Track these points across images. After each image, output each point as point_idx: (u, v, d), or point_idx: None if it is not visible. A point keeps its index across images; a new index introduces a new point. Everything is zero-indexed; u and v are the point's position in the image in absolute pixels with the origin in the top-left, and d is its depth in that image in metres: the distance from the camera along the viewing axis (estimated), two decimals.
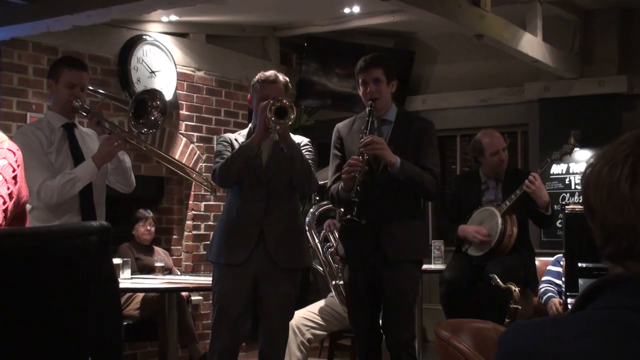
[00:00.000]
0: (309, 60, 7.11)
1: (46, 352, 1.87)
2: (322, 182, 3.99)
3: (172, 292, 4.23)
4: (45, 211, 3.59)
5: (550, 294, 4.73)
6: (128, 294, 5.20)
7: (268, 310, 3.62)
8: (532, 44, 5.93)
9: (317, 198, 5.99)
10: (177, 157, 6.23)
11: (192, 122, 6.46)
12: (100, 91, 4.45)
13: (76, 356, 1.94)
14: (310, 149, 3.69)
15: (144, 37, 6.03)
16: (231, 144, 3.69)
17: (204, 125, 6.55)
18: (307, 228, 4.66)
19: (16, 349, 1.82)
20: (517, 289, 3.45)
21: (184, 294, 5.28)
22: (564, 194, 6.72)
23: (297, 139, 3.66)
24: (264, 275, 3.59)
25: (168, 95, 5.96)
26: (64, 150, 3.69)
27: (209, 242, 4.10)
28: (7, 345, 1.81)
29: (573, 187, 6.69)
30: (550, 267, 4.90)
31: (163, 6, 4.87)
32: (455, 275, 4.64)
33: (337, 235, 4.20)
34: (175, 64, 6.22)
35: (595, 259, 3.86)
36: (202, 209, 6.53)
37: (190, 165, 6.36)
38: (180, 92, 6.35)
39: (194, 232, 6.47)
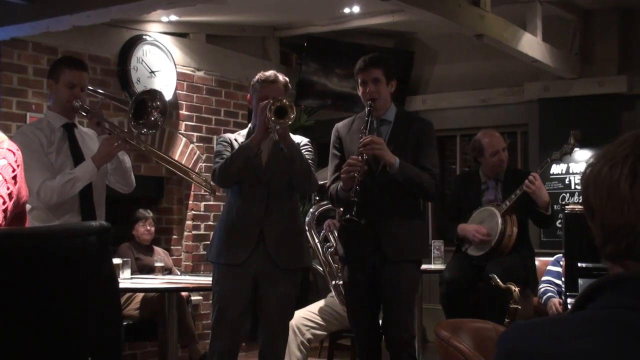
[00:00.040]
0: (309, 60, 7.11)
1: (46, 352, 1.87)
2: (321, 182, 3.99)
3: (172, 292, 4.23)
4: (45, 211, 3.59)
5: (550, 294, 4.74)
6: (128, 294, 5.20)
7: (268, 310, 3.62)
8: (532, 44, 5.93)
9: (317, 198, 5.99)
10: (176, 157, 6.23)
11: (192, 122, 6.46)
12: (100, 91, 4.45)
13: (76, 356, 1.94)
14: (310, 149, 3.69)
15: (144, 37, 6.03)
16: (231, 144, 3.69)
17: (204, 125, 6.55)
18: (307, 228, 4.66)
19: (16, 349, 1.82)
20: (517, 289, 3.46)
21: (183, 294, 5.28)
22: (564, 194, 6.72)
23: (297, 138, 3.66)
24: (264, 275, 3.59)
25: (168, 95, 5.96)
26: (64, 150, 3.69)
27: (208, 242, 4.10)
28: (7, 345, 1.81)
29: (573, 187, 6.69)
30: (550, 267, 4.91)
31: (163, 6, 4.87)
32: (455, 275, 4.65)
33: (336, 235, 4.21)
34: (175, 64, 6.22)
35: (595, 259, 3.86)
36: (202, 209, 6.53)
37: (190, 165, 6.36)
38: (180, 92, 6.35)
39: (193, 232, 6.47)
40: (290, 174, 3.57)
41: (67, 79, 3.69)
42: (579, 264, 3.96)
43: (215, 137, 6.33)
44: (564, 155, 4.83)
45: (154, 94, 3.93)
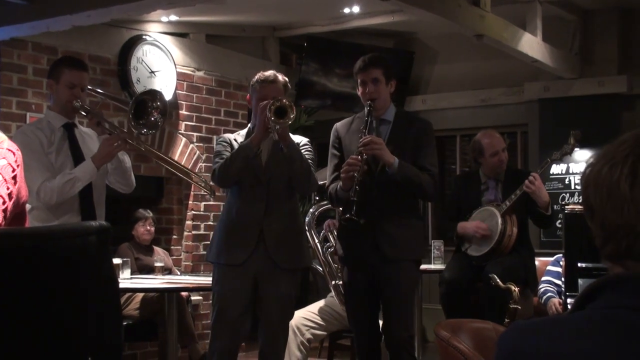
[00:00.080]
0: (309, 61, 7.11)
1: (46, 352, 1.87)
2: (321, 183, 3.99)
3: (171, 292, 4.23)
4: (44, 211, 3.58)
5: (550, 294, 4.74)
6: (128, 294, 5.20)
7: (268, 310, 3.62)
8: (531, 44, 5.93)
9: (317, 198, 5.99)
10: (176, 157, 6.23)
11: (192, 122, 6.46)
12: (99, 90, 4.45)
13: (76, 356, 1.94)
14: (309, 149, 3.69)
15: (144, 37, 6.03)
16: (230, 144, 3.69)
17: (204, 125, 6.55)
18: (306, 228, 4.66)
19: (16, 349, 1.82)
20: (516, 289, 3.45)
21: (183, 294, 5.28)
22: (564, 194, 6.73)
23: (297, 138, 3.66)
24: (264, 275, 3.59)
25: (168, 95, 5.96)
26: (64, 150, 3.69)
27: (208, 242, 4.10)
28: (7, 345, 1.81)
29: (573, 187, 6.69)
30: (550, 267, 4.91)
31: (163, 6, 4.87)
32: (455, 275, 4.65)
33: (335, 235, 4.21)
34: (175, 64, 6.22)
35: (595, 259, 3.86)
36: (202, 209, 6.53)
37: (190, 165, 6.36)
38: (180, 92, 6.35)
39: (193, 232, 6.47)
40: (290, 174, 3.57)
41: (67, 79, 3.69)
42: (579, 264, 3.96)
43: (215, 137, 6.33)
44: (564, 155, 4.83)
45: (154, 95, 3.93)
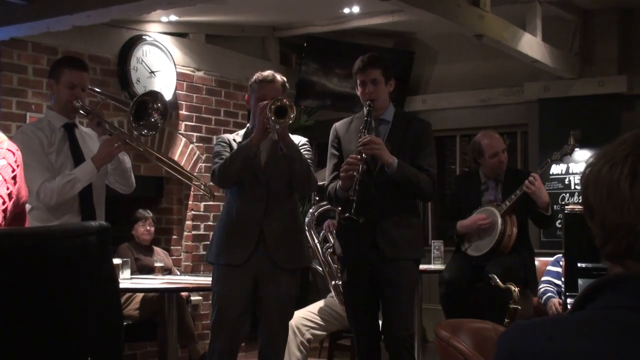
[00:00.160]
0: (309, 61, 7.11)
1: (46, 352, 1.87)
2: (321, 183, 3.99)
3: (171, 292, 4.23)
4: (44, 211, 3.58)
5: (549, 294, 4.73)
6: (128, 294, 5.20)
7: (268, 310, 3.62)
8: (531, 44, 5.93)
9: (317, 198, 6.00)
10: (176, 158, 6.23)
11: (192, 122, 6.46)
12: (97, 90, 4.44)
13: (76, 356, 1.94)
14: (308, 149, 3.69)
15: (144, 37, 6.03)
16: (229, 145, 3.69)
17: (204, 126, 6.55)
18: (306, 228, 4.66)
19: (16, 349, 1.82)
20: (516, 289, 3.46)
21: (183, 294, 5.28)
22: (564, 194, 6.73)
23: (296, 138, 3.65)
24: (264, 276, 3.59)
25: (167, 96, 5.96)
26: (64, 150, 3.69)
27: (208, 243, 4.10)
28: (7, 345, 1.81)
29: (573, 188, 6.69)
30: (549, 267, 4.90)
31: (163, 6, 4.87)
32: (455, 275, 4.65)
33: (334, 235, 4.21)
34: (174, 64, 6.22)
35: (595, 259, 3.86)
36: (202, 209, 6.53)
37: (190, 166, 6.36)
38: (179, 92, 6.35)
39: (193, 232, 6.47)
40: (290, 174, 3.57)
41: (67, 79, 3.69)
42: (579, 264, 3.96)
43: (215, 137, 6.33)
44: (564, 155, 4.83)
45: (155, 96, 3.92)
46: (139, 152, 4.13)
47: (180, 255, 6.47)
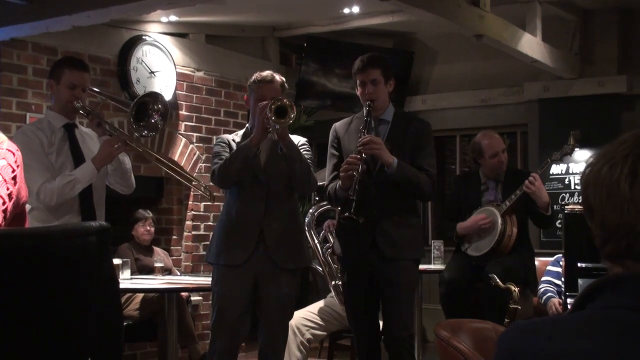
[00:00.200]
0: (309, 61, 7.11)
1: (46, 352, 1.87)
2: (321, 183, 3.99)
3: (171, 293, 4.23)
4: (44, 212, 3.58)
5: (549, 294, 4.73)
6: (128, 295, 5.20)
7: (268, 310, 3.62)
8: (531, 44, 5.93)
9: (317, 198, 6.00)
10: (176, 158, 6.23)
11: (192, 122, 6.46)
12: (96, 89, 4.44)
13: (76, 356, 1.94)
14: (308, 149, 3.70)
15: (144, 37, 6.03)
16: (229, 145, 3.69)
17: (204, 126, 6.55)
18: (306, 228, 4.66)
19: (16, 349, 1.82)
20: (516, 289, 3.46)
21: (183, 294, 5.28)
22: (564, 194, 6.73)
23: (295, 138, 3.65)
24: (264, 276, 3.59)
25: (167, 96, 5.96)
26: (64, 150, 3.69)
27: (208, 243, 4.10)
28: (7, 345, 1.81)
29: (572, 187, 6.69)
30: (549, 267, 4.90)
31: (162, 6, 4.87)
32: (455, 275, 4.65)
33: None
34: (174, 64, 6.22)
35: (595, 259, 3.86)
36: (202, 209, 6.53)
37: (190, 166, 6.37)
38: (179, 92, 6.35)
39: (193, 233, 6.47)
40: (290, 174, 3.57)
41: (68, 79, 3.69)
42: (579, 264, 3.96)
43: (214, 137, 6.33)
44: (564, 155, 4.83)
45: (156, 97, 3.92)
46: (139, 152, 4.13)
47: (180, 256, 6.47)
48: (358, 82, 3.74)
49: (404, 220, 3.71)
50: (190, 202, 6.47)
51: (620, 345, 1.03)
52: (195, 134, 6.46)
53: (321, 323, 4.72)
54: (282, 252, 3.60)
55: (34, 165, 3.49)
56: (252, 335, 3.79)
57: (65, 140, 3.71)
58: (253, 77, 3.70)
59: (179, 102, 6.35)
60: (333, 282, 4.72)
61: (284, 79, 3.73)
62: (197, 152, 6.46)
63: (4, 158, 2.35)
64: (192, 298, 5.96)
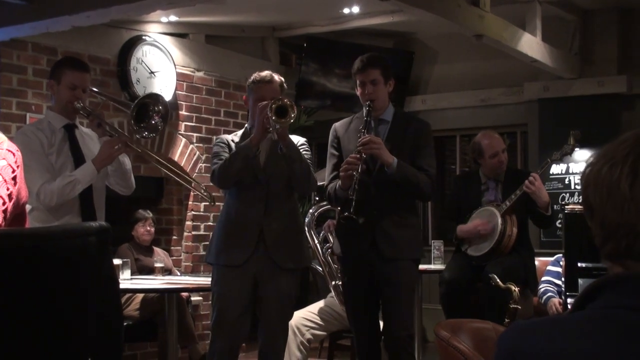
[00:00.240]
0: (309, 61, 7.11)
1: (46, 352, 1.87)
2: (321, 183, 3.99)
3: (171, 293, 4.23)
4: (45, 212, 3.58)
5: (550, 294, 4.73)
6: (128, 295, 5.20)
7: (267, 310, 3.62)
8: (531, 44, 5.93)
9: (317, 198, 6.00)
10: (176, 158, 6.23)
11: (192, 122, 6.46)
12: (98, 91, 4.44)
13: (76, 356, 1.94)
14: (307, 149, 3.69)
15: (144, 37, 6.03)
16: (228, 145, 3.69)
17: (204, 126, 6.55)
18: (306, 228, 4.66)
19: (16, 349, 1.82)
20: (516, 289, 3.45)
21: (183, 294, 5.28)
22: (564, 194, 6.73)
23: (294, 138, 3.65)
24: (264, 276, 3.59)
25: (167, 96, 5.96)
26: (64, 151, 3.69)
27: (208, 243, 4.10)
28: (7, 345, 1.81)
29: (573, 187, 6.69)
30: (550, 267, 4.90)
31: (162, 6, 4.87)
32: (455, 275, 4.65)
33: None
34: (174, 65, 6.22)
35: (595, 259, 3.86)
36: (202, 210, 6.53)
37: (190, 166, 6.37)
38: (179, 92, 6.35)
39: (193, 233, 6.47)
40: (290, 174, 3.57)
41: (69, 80, 3.68)
42: (579, 264, 3.96)
43: (215, 137, 6.34)
44: (564, 155, 4.83)
45: (157, 98, 3.91)
46: (139, 153, 4.13)
47: (180, 256, 6.47)
48: (358, 82, 3.74)
49: (403, 220, 3.71)
50: (190, 203, 6.48)
51: (620, 345, 1.03)
52: (195, 134, 6.46)
53: (321, 323, 4.72)
54: (282, 252, 3.60)
55: (34, 165, 3.49)
56: (252, 335, 3.79)
57: (65, 141, 3.71)
58: (252, 77, 3.70)
59: (179, 102, 6.35)
60: (333, 282, 4.72)
61: (282, 79, 3.73)
62: (197, 153, 6.46)
63: (4, 158, 2.35)
64: (192, 298, 5.96)
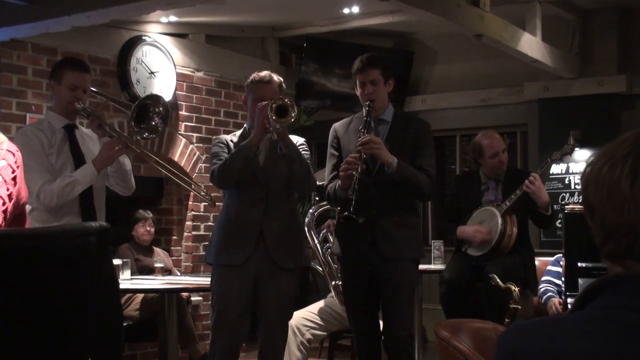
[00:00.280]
0: (309, 61, 7.11)
1: (46, 352, 1.87)
2: (321, 183, 3.99)
3: (171, 293, 4.23)
4: (45, 213, 3.58)
5: (550, 293, 4.74)
6: (128, 295, 5.20)
7: (267, 310, 3.62)
8: (531, 44, 5.93)
9: (317, 198, 6.00)
10: (176, 158, 6.24)
11: (192, 122, 6.46)
12: (99, 91, 4.43)
13: (76, 356, 1.94)
14: (306, 149, 3.70)
15: (144, 37, 6.03)
16: (227, 145, 3.69)
17: (204, 126, 6.55)
18: (306, 228, 4.66)
19: (16, 349, 1.82)
20: (516, 289, 3.45)
21: (183, 294, 5.28)
22: (564, 194, 6.73)
23: (293, 138, 3.65)
24: (264, 276, 3.59)
25: (167, 96, 5.96)
26: (64, 151, 3.69)
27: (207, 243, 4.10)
28: (7, 345, 1.81)
29: (572, 187, 6.69)
30: (550, 267, 4.90)
31: (162, 7, 4.87)
32: (455, 275, 4.64)
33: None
34: (174, 65, 6.22)
35: (595, 259, 3.86)
36: (202, 210, 6.53)
37: (190, 166, 6.37)
38: (179, 92, 6.35)
39: (193, 233, 6.47)
40: (290, 174, 3.57)
41: (69, 80, 3.68)
42: (579, 264, 3.96)
43: (214, 137, 6.33)
44: (564, 155, 4.83)
45: (157, 100, 3.91)
46: (139, 155, 4.13)
47: (180, 256, 6.47)
48: (357, 82, 3.74)
49: (403, 220, 3.71)
50: (190, 203, 6.48)
51: (620, 345, 1.03)
52: (195, 134, 6.47)
53: (321, 323, 4.72)
54: (282, 252, 3.60)
55: (34, 166, 3.49)
56: (252, 335, 3.79)
57: (65, 141, 3.71)
58: (251, 78, 3.70)
59: (178, 102, 6.35)
60: (333, 282, 4.72)
61: (281, 79, 3.73)
62: (197, 153, 6.46)
63: (4, 159, 2.35)
64: (192, 298, 5.96)
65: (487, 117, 7.13)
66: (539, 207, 4.55)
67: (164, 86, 6.06)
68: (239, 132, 3.79)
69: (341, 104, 7.24)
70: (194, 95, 6.50)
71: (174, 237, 6.46)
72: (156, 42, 6.11)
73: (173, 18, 6.10)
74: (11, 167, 2.36)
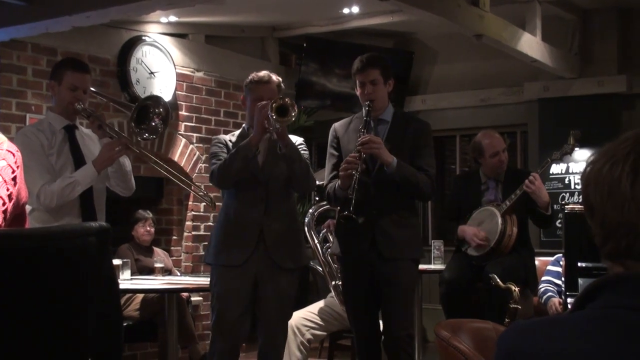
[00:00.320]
0: (308, 61, 7.11)
1: (46, 352, 1.87)
2: (320, 183, 3.99)
3: (171, 293, 4.23)
4: (45, 213, 3.58)
5: (550, 293, 4.74)
6: (128, 295, 5.20)
7: (267, 310, 3.62)
8: (531, 44, 5.93)
9: (317, 198, 6.00)
10: (176, 158, 6.24)
11: (192, 122, 6.46)
12: (99, 92, 4.43)
13: (76, 356, 1.94)
14: (305, 149, 3.70)
15: (143, 37, 6.03)
16: (226, 145, 3.69)
17: (204, 126, 6.55)
18: (306, 228, 4.66)
19: (16, 349, 1.82)
20: (516, 289, 3.45)
21: (183, 294, 5.28)
22: (564, 194, 6.73)
23: (292, 138, 3.65)
24: (264, 275, 3.59)
25: (167, 96, 5.96)
26: (64, 152, 3.69)
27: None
28: (7, 346, 1.81)
29: (573, 187, 6.69)
30: (550, 267, 4.90)
31: (162, 7, 4.87)
32: (455, 275, 4.64)
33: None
34: (174, 65, 6.22)
35: (595, 259, 3.86)
36: (202, 210, 6.53)
37: (190, 166, 6.37)
38: (179, 92, 6.35)
39: (193, 233, 6.47)
40: (289, 173, 3.57)
41: (70, 81, 3.68)
42: (579, 264, 3.96)
43: (213, 137, 6.33)
44: (564, 155, 4.83)
45: (157, 100, 3.90)
46: (139, 156, 4.12)
47: (180, 256, 6.47)
48: (357, 82, 3.74)
49: (403, 219, 3.71)
50: (190, 203, 6.48)
51: (620, 345, 1.03)
52: (195, 135, 6.47)
53: (321, 323, 4.72)
54: (282, 252, 3.60)
55: (34, 166, 3.49)
56: (252, 335, 3.79)
57: (65, 142, 3.71)
58: (250, 78, 3.70)
59: (178, 102, 6.35)
60: (333, 282, 4.72)
61: (280, 79, 3.73)
62: (197, 153, 6.46)
63: (3, 159, 2.35)
64: (193, 298, 5.96)
65: (487, 117, 7.13)
66: (539, 207, 4.55)
67: (163, 86, 6.05)
68: (237, 132, 3.79)
69: (341, 104, 7.25)
70: (194, 96, 6.50)
71: (174, 237, 6.46)
72: (156, 42, 6.12)
73: (173, 18, 6.10)
74: (11, 167, 2.36)
